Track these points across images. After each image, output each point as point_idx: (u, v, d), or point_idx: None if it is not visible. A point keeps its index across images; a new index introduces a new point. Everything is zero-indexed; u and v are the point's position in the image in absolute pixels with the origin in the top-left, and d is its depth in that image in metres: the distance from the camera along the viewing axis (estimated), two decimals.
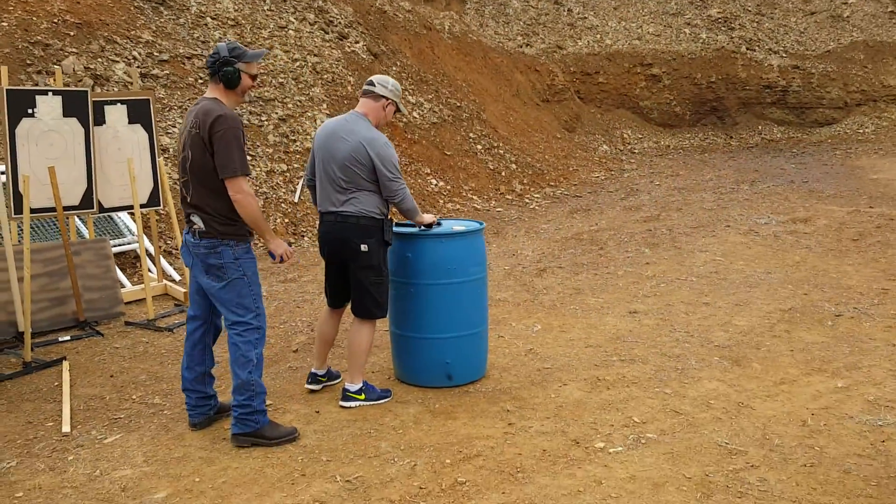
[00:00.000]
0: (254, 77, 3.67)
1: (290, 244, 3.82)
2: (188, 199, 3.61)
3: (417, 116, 13.12)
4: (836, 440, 3.58)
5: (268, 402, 4.20)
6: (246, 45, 11.29)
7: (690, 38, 20.18)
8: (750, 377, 4.41)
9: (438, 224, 4.37)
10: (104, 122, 6.01)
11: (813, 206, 10.40)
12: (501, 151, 14.00)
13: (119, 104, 6.09)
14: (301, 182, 4.69)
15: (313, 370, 4.36)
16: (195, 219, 3.58)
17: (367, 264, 3.98)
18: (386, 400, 4.17)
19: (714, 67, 19.73)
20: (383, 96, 4.04)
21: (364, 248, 3.95)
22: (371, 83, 4.07)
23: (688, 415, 3.91)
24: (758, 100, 19.95)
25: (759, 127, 19.80)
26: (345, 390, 4.09)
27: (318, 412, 4.05)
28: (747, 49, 20.24)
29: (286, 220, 8.87)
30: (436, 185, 11.77)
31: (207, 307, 3.77)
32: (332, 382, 4.41)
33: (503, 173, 13.31)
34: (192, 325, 3.82)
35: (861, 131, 19.24)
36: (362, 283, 4.00)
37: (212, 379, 3.90)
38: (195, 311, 3.80)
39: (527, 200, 12.25)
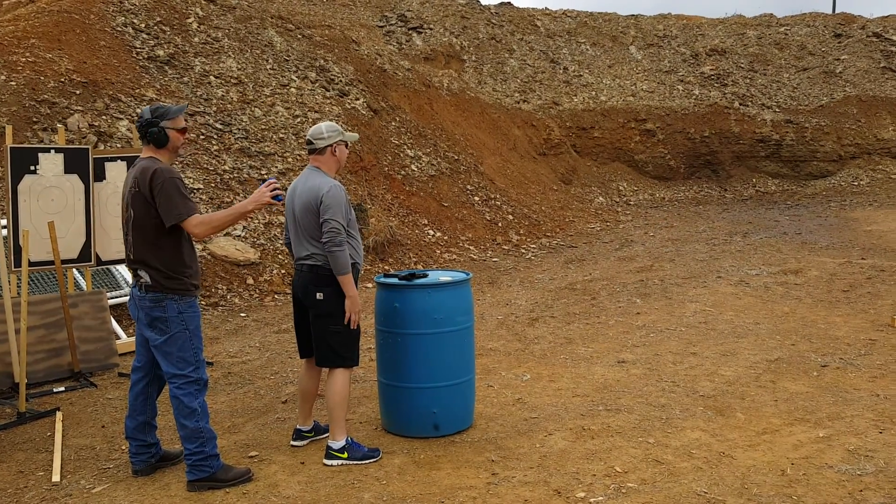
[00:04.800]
0: (182, 131, 3.84)
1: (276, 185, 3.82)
2: (132, 256, 3.75)
3: (416, 169, 13.37)
4: (815, 489, 3.62)
5: (252, 452, 4.26)
6: (247, 103, 11.62)
7: (683, 95, 20.61)
8: (733, 427, 4.45)
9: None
10: (105, 178, 6.19)
11: (805, 257, 10.51)
12: (498, 203, 14.21)
13: (120, 161, 6.29)
14: None
15: (298, 426, 4.39)
16: (141, 273, 3.71)
17: (324, 313, 4.02)
18: (373, 460, 4.06)
19: (707, 122, 20.09)
20: (326, 146, 4.13)
21: (320, 296, 4.00)
22: (310, 142, 4.14)
23: (669, 464, 3.95)
24: (752, 153, 20.25)
25: (754, 180, 20.05)
26: (328, 447, 4.07)
27: (302, 463, 4.10)
28: (740, 104, 20.63)
29: (283, 272, 8.99)
30: (433, 235, 11.93)
31: (151, 359, 3.88)
32: (319, 437, 4.42)
33: (500, 224, 13.49)
34: (136, 376, 3.95)
35: (856, 184, 19.46)
36: (319, 332, 4.06)
37: (153, 428, 4.00)
38: (139, 362, 3.94)
39: (523, 251, 12.39)
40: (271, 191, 3.72)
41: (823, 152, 20.23)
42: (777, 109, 20.77)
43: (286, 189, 4.31)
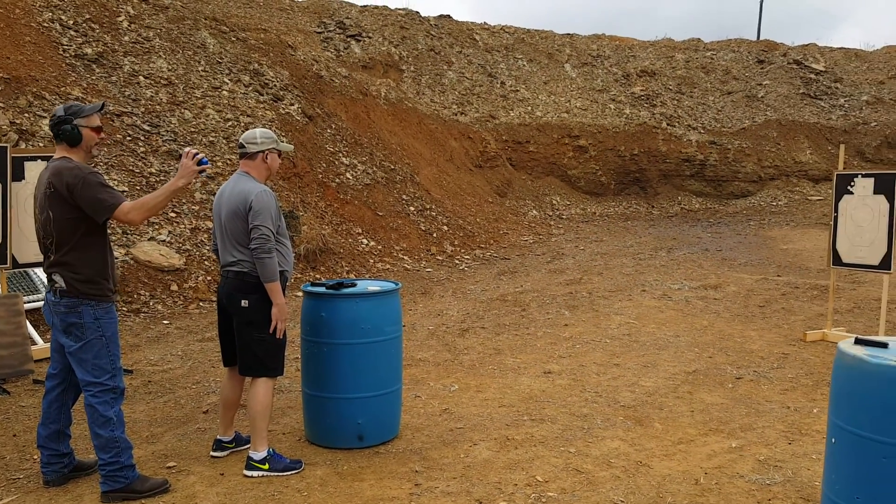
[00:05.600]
0: (98, 130, 3.73)
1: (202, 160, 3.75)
2: (51, 258, 3.64)
3: (351, 177, 13.32)
4: (726, 498, 3.76)
5: (171, 463, 4.16)
6: (177, 105, 11.38)
7: (615, 113, 21.19)
8: (651, 437, 4.59)
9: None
10: (23, 178, 5.96)
11: (724, 273, 10.92)
12: (434, 213, 14.27)
13: (40, 160, 6.07)
14: None
15: (218, 436, 4.31)
16: (56, 277, 3.60)
17: (249, 320, 3.97)
18: (295, 471, 4.03)
19: (637, 141, 20.71)
20: (258, 152, 4.09)
21: (245, 303, 3.95)
22: (242, 145, 4.10)
23: (588, 473, 4.04)
24: (677, 172, 20.96)
25: (679, 197, 20.74)
26: (249, 458, 4.00)
27: (222, 474, 4.02)
28: (668, 125, 21.35)
29: (209, 278, 8.81)
30: (367, 244, 11.90)
31: (67, 366, 3.77)
32: (240, 448, 4.34)
33: (435, 234, 13.54)
34: (51, 383, 3.83)
35: (774, 204, 20.32)
36: (244, 339, 3.99)
37: (67, 437, 3.88)
38: (55, 369, 3.82)
39: (457, 261, 12.47)
40: (193, 158, 3.67)
41: (745, 173, 21.09)
42: (702, 131, 21.56)
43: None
